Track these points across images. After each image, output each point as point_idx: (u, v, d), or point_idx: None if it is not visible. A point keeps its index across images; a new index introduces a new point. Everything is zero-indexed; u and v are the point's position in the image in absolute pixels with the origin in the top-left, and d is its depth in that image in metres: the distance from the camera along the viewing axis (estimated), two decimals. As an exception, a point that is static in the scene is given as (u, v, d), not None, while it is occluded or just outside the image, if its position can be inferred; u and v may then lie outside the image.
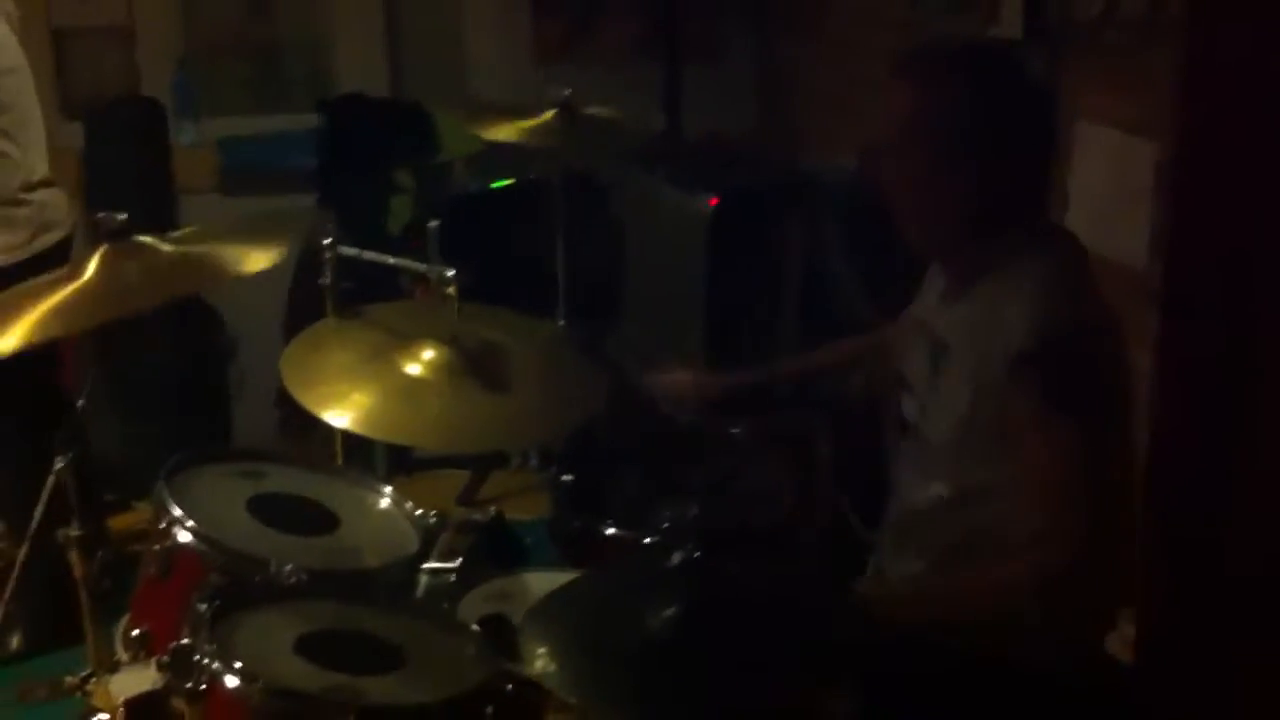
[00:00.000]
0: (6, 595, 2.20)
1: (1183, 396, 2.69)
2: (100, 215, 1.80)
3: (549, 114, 3.31)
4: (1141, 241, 2.74)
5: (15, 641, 3.13)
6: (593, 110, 3.36)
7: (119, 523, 3.29)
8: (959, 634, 1.82)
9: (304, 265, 3.40)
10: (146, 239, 1.88)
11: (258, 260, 1.88)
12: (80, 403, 1.88)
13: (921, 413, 1.96)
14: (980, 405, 1.82)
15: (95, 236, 1.84)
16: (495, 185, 4.29)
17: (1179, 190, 2.68)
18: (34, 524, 1.95)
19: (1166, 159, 2.66)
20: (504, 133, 3.31)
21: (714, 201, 3.58)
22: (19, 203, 3.10)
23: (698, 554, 1.68)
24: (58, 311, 1.81)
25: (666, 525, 2.18)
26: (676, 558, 1.75)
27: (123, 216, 1.81)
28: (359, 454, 2.67)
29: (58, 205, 3.21)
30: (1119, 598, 1.99)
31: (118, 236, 1.80)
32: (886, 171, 1.89)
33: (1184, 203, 2.70)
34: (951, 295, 1.93)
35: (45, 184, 3.19)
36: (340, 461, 2.57)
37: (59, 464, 1.84)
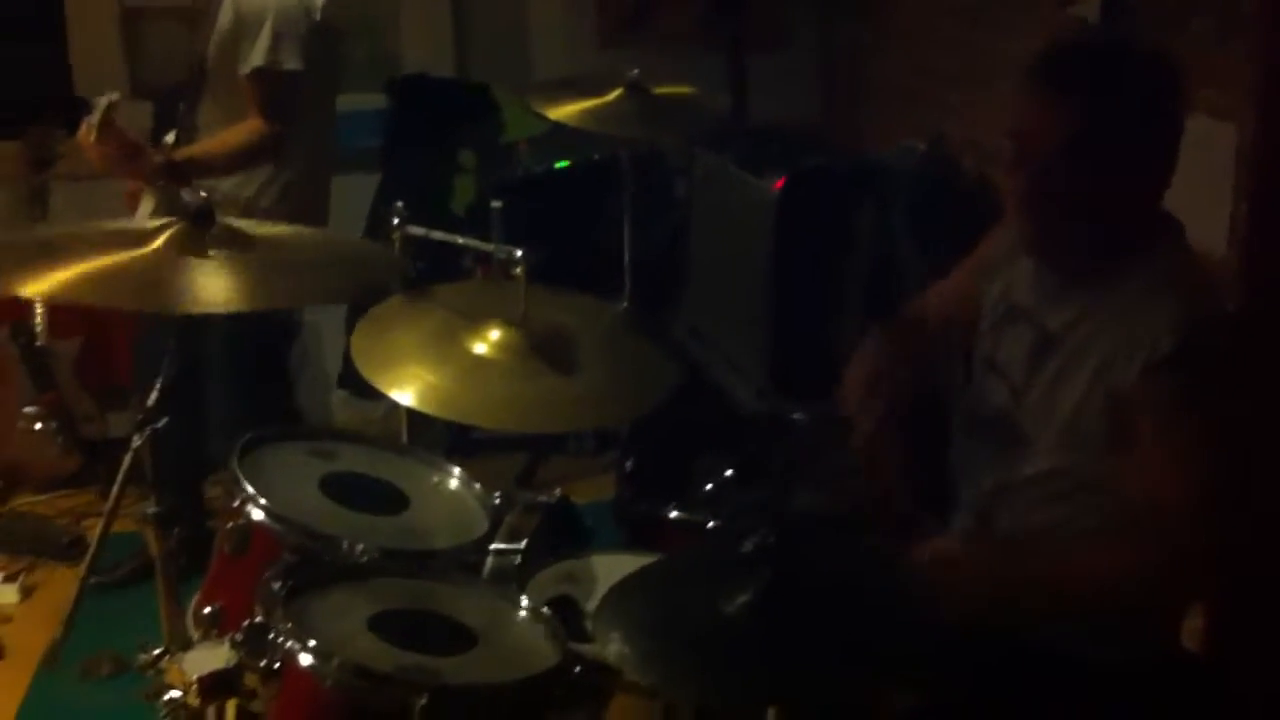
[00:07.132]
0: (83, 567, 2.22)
1: (1261, 390, 2.65)
2: (184, 192, 1.80)
3: (615, 94, 3.30)
4: (1221, 229, 2.69)
5: None
6: (662, 89, 3.34)
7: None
8: (1032, 621, 1.80)
9: (369, 244, 3.41)
10: (229, 225, 1.87)
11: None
12: (160, 380, 1.87)
13: (1015, 399, 1.92)
14: (1099, 402, 1.79)
15: (176, 212, 1.82)
16: (558, 166, 4.28)
17: (1260, 177, 2.64)
18: (111, 501, 1.97)
19: (1247, 144, 2.62)
20: (569, 113, 3.29)
21: (780, 183, 3.55)
22: None
23: (771, 538, 1.67)
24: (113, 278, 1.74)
25: (734, 510, 2.18)
26: (749, 542, 1.74)
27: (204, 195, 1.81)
28: (420, 434, 2.67)
29: None
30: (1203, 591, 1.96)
31: (200, 217, 1.81)
32: (1008, 172, 1.85)
33: (1264, 190, 2.66)
34: (1059, 287, 1.90)
35: None
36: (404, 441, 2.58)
37: (136, 441, 1.84)
